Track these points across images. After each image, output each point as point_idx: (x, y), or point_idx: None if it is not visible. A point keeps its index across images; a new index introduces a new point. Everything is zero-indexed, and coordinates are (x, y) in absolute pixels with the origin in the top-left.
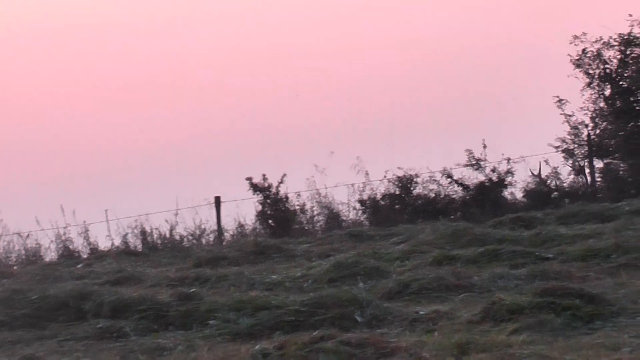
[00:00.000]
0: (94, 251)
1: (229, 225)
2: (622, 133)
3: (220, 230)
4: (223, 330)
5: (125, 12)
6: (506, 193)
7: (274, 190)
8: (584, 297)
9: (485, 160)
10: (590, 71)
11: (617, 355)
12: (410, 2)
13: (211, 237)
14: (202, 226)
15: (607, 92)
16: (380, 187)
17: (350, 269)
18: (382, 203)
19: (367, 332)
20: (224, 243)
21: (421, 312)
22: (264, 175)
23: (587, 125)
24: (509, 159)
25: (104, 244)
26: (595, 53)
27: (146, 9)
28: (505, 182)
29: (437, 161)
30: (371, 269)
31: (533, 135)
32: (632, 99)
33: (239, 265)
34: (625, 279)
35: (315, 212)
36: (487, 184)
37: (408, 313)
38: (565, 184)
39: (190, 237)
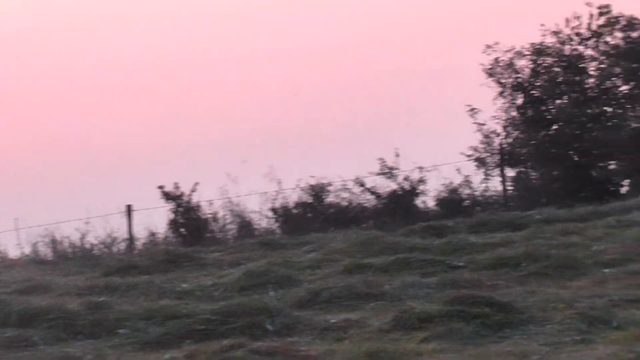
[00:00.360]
0: (3, 260)
1: (141, 233)
2: (534, 142)
3: (131, 238)
4: (133, 339)
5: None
6: (418, 201)
7: (186, 198)
8: (494, 306)
9: (397, 168)
10: (502, 80)
11: None
12: (324, 9)
13: (122, 246)
14: (113, 235)
15: (519, 101)
16: (293, 196)
17: (261, 278)
18: (295, 211)
19: (278, 341)
20: (135, 252)
21: (332, 321)
22: (176, 183)
23: (499, 134)
24: (421, 168)
25: (13, 253)
26: (508, 62)
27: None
28: (418, 191)
29: (349, 170)
30: (282, 278)
31: (446, 144)
32: (543, 108)
33: (149, 274)
34: (534, 287)
35: (228, 221)
36: (399, 192)
37: (319, 322)
38: (477, 192)
39: (101, 246)
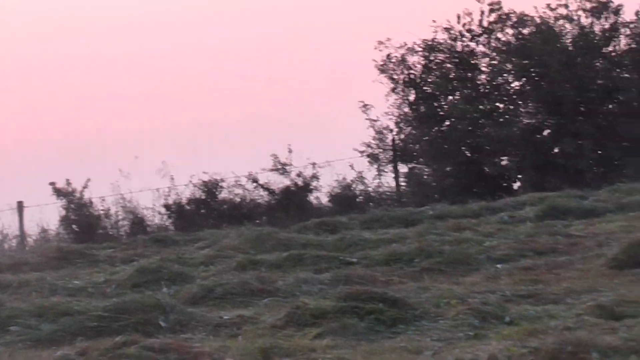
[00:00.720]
0: None
1: (32, 230)
2: (426, 138)
3: (22, 235)
4: (24, 336)
5: None
6: (311, 198)
7: (78, 195)
8: (387, 301)
9: (291, 165)
10: (395, 76)
11: (419, 359)
12: (215, 9)
13: (14, 243)
14: (4, 231)
15: (412, 98)
16: (186, 192)
17: (154, 274)
18: (188, 208)
19: (171, 337)
20: (27, 248)
21: (225, 317)
22: (67, 180)
23: (391, 130)
24: (314, 164)
25: None
26: (400, 59)
27: None
28: (311, 187)
29: (243, 166)
30: (175, 274)
31: (339, 141)
32: (435, 104)
33: (41, 270)
34: (427, 283)
35: (120, 217)
36: (292, 188)
37: (212, 318)
38: (370, 188)
39: None
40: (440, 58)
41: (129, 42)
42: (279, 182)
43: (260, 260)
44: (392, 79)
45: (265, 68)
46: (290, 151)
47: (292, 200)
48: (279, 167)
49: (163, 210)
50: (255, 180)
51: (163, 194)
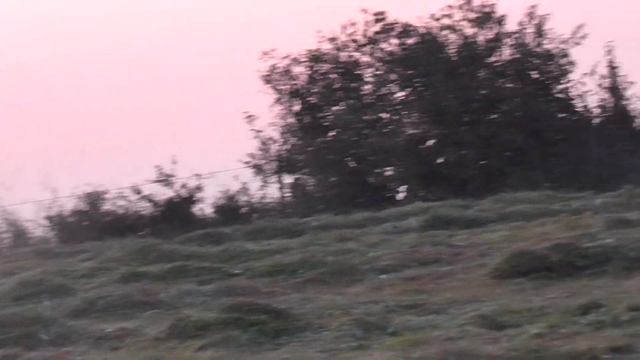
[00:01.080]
0: None
1: None
2: (311, 149)
3: None
4: None
5: None
6: (195, 209)
7: None
8: (271, 313)
9: (174, 176)
10: (280, 87)
11: None
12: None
13: None
14: None
15: (296, 108)
16: (69, 204)
17: (35, 287)
18: (70, 220)
19: (52, 351)
20: None
21: (107, 330)
22: None
23: (276, 141)
24: (198, 175)
25: None
26: (284, 69)
27: None
28: (195, 198)
29: (127, 177)
30: (57, 287)
31: (224, 152)
32: (320, 114)
33: None
34: (311, 294)
35: (1, 230)
36: (176, 200)
37: (94, 331)
38: (254, 199)
39: None
40: (324, 68)
41: (19, 52)
42: (163, 193)
43: (143, 272)
44: (276, 89)
45: (149, 79)
46: (174, 162)
47: (176, 212)
48: (163, 178)
49: (45, 222)
50: (138, 192)
51: (45, 206)
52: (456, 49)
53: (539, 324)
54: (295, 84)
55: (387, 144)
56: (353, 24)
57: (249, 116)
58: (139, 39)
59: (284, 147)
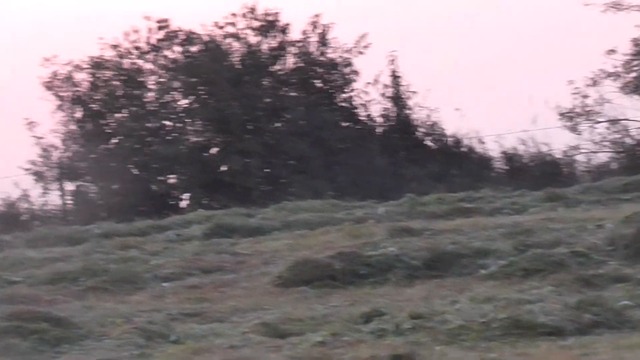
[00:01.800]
0: None
1: None
2: (93, 156)
3: None
4: None
5: None
6: None
7: None
8: (52, 321)
9: None
10: (61, 94)
11: None
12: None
13: None
14: None
15: (78, 115)
16: None
17: None
18: None
19: None
20: None
21: None
22: None
23: (58, 148)
24: None
25: None
26: (66, 76)
27: None
28: None
29: None
30: None
31: (4, 158)
32: (102, 121)
33: None
34: (93, 302)
35: None
36: None
37: None
38: (35, 207)
39: None
40: (107, 75)
41: None
42: None
43: None
44: (58, 96)
45: None
46: None
47: None
48: None
49: None
50: None
51: None
52: (240, 57)
53: (322, 332)
54: (77, 91)
55: (171, 152)
56: (136, 31)
57: (30, 122)
58: None
59: (66, 154)
